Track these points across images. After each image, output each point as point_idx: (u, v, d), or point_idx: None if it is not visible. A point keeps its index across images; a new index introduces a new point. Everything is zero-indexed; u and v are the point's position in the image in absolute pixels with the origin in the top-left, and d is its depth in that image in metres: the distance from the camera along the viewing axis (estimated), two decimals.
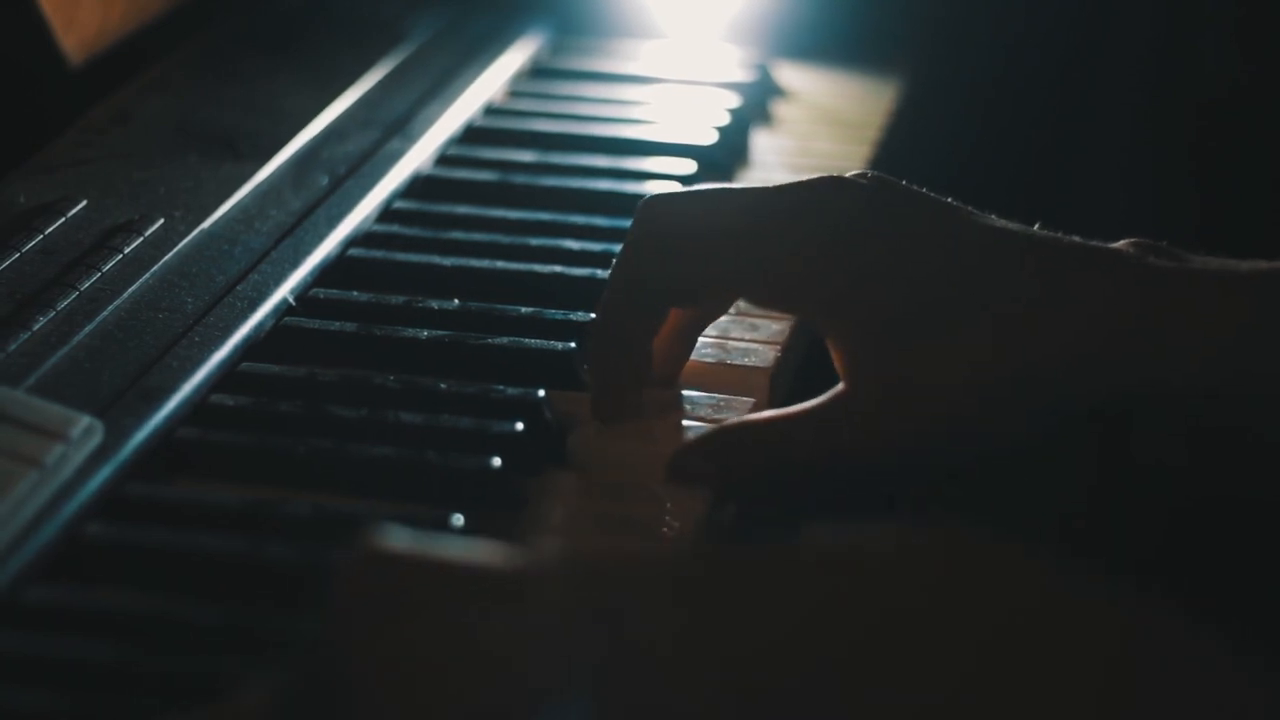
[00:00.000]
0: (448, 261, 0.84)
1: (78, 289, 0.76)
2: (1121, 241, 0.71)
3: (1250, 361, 0.69)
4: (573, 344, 0.77)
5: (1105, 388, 0.70)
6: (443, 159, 0.95)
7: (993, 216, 0.73)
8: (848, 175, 0.73)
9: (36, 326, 0.73)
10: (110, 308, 0.75)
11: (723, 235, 0.72)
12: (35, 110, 0.91)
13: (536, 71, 1.07)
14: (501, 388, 0.74)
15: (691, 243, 0.73)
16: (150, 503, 0.67)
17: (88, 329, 0.74)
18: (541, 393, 0.74)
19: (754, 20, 1.12)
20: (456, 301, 0.80)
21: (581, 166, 0.94)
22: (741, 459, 0.71)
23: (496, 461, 0.69)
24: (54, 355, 0.72)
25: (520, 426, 0.71)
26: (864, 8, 1.14)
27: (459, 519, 0.66)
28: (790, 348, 0.81)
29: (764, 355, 0.80)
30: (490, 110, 1.01)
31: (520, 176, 0.93)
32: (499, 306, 0.80)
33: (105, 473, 0.66)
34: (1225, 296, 0.70)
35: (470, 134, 0.98)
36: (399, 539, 0.50)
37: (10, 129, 0.88)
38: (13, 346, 0.72)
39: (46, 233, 0.80)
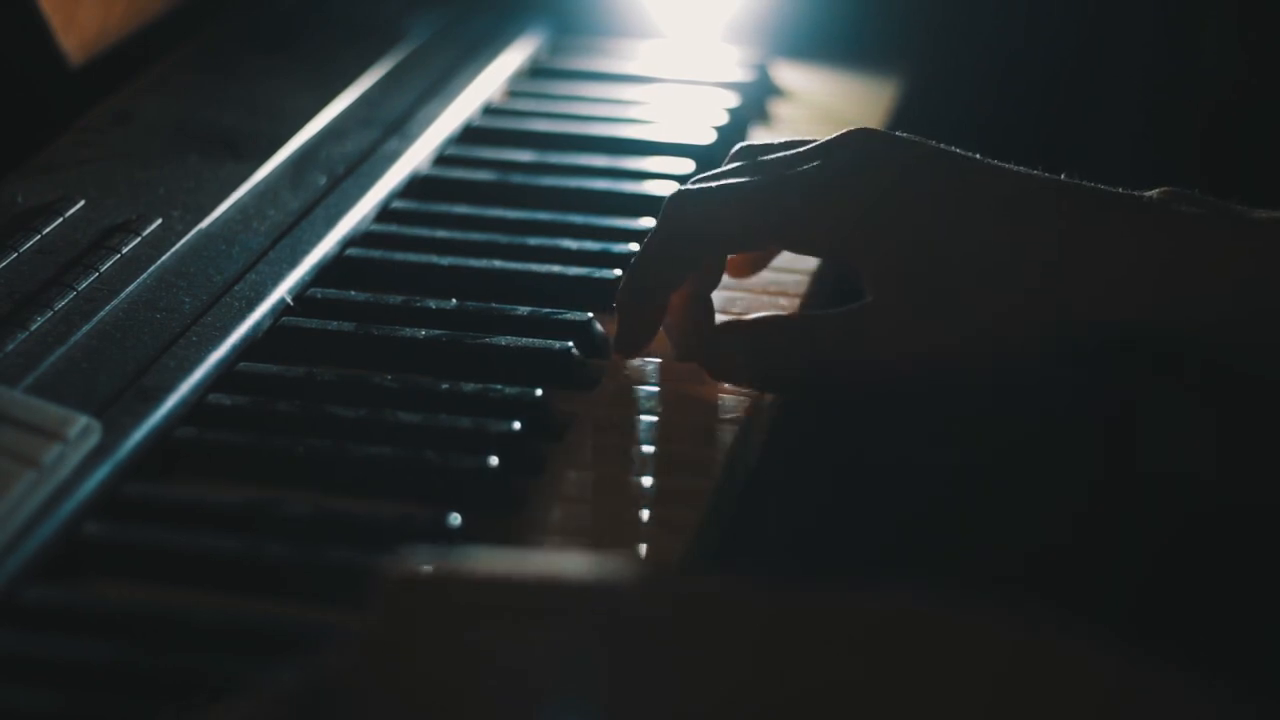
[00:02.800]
0: (446, 261, 0.84)
1: (75, 289, 0.76)
2: (1154, 190, 0.72)
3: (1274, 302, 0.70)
4: (570, 343, 0.77)
5: (1132, 326, 0.72)
6: (441, 159, 0.95)
7: (1016, 168, 0.75)
8: (876, 130, 0.76)
9: (34, 326, 0.73)
10: (108, 308, 0.75)
11: (758, 195, 0.75)
12: (35, 110, 0.91)
13: (535, 71, 1.07)
14: (499, 387, 0.74)
15: (731, 203, 0.75)
16: (148, 502, 0.67)
17: (85, 329, 0.74)
18: (539, 392, 0.74)
19: (753, 20, 1.12)
20: (454, 301, 0.80)
21: (580, 166, 0.94)
22: (770, 347, 0.75)
23: (494, 461, 0.69)
24: (52, 355, 0.72)
25: (518, 426, 0.71)
26: (864, 8, 1.14)
27: (456, 518, 0.66)
28: None
29: None
30: (489, 110, 1.01)
31: (519, 176, 0.93)
32: (497, 306, 0.80)
33: (103, 472, 0.66)
34: (1254, 241, 0.71)
35: (469, 134, 0.98)
36: (430, 558, 0.50)
37: (10, 129, 0.88)
38: (10, 346, 0.72)
39: (44, 233, 0.80)
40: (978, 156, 0.75)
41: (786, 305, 0.83)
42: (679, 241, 0.75)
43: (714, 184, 0.76)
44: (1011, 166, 0.74)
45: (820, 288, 0.85)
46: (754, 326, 0.76)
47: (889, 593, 0.47)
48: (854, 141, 0.75)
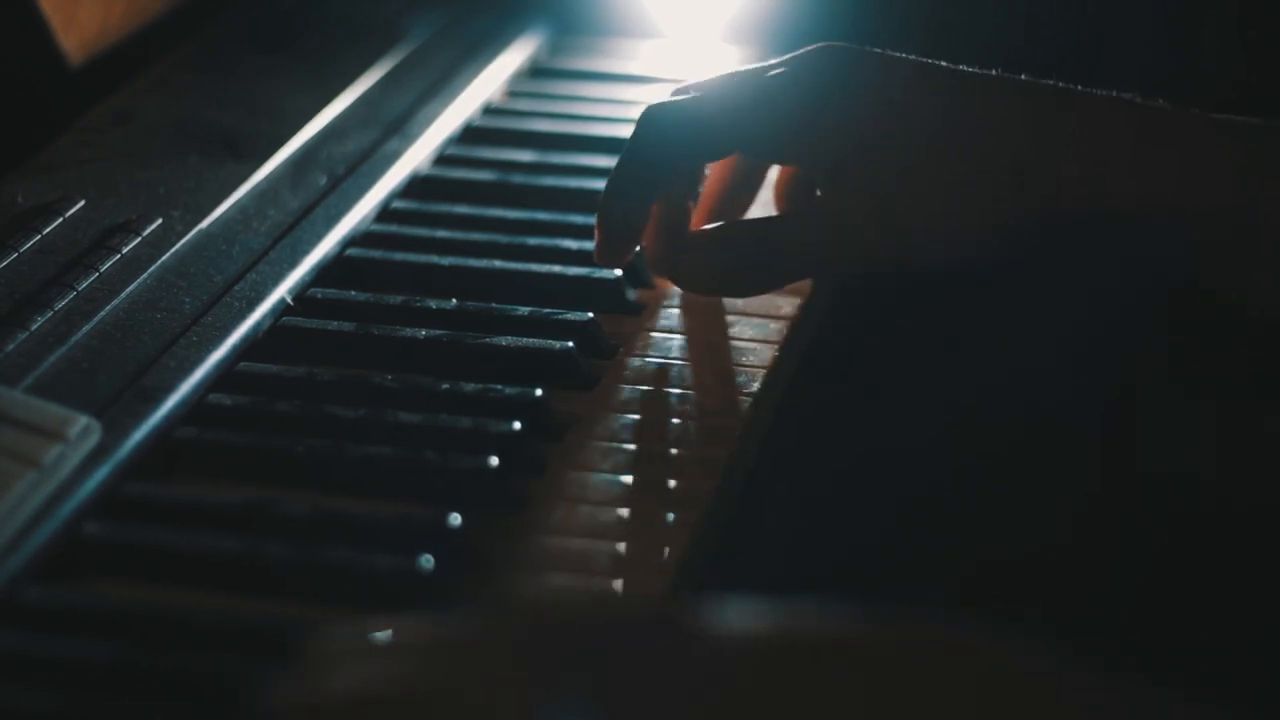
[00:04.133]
0: (446, 261, 0.84)
1: (76, 289, 0.76)
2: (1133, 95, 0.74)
3: (1246, 213, 0.72)
4: (570, 343, 0.77)
5: (1115, 218, 0.74)
6: (441, 159, 0.95)
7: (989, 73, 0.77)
8: (838, 44, 0.79)
9: (34, 326, 0.73)
10: (108, 308, 0.75)
11: (717, 103, 0.79)
12: (35, 110, 0.91)
13: (535, 71, 1.07)
14: (500, 387, 0.74)
15: (691, 112, 0.79)
16: (148, 502, 0.67)
17: (86, 329, 0.74)
18: (539, 392, 0.74)
19: (754, 20, 1.12)
20: (455, 301, 0.80)
21: (580, 166, 0.94)
22: (733, 248, 0.78)
23: (494, 461, 0.69)
24: (52, 355, 0.72)
25: (518, 426, 0.71)
26: (864, 8, 1.14)
27: (456, 518, 0.66)
28: (790, 348, 0.81)
29: (763, 355, 0.80)
30: (489, 110, 1.01)
31: (519, 176, 0.93)
32: (497, 306, 0.80)
33: (103, 472, 0.66)
34: (1231, 143, 0.74)
35: (469, 134, 0.98)
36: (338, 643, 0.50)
37: (10, 129, 0.88)
38: (11, 346, 0.72)
39: (44, 233, 0.80)
40: (933, 61, 0.78)
41: (792, 296, 0.83)
42: (648, 152, 0.79)
43: (680, 96, 0.80)
44: (969, 74, 0.77)
45: (820, 283, 0.85)
46: (717, 231, 0.80)
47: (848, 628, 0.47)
48: (813, 54, 0.78)
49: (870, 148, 0.76)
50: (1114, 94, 0.76)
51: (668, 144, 0.79)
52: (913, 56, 0.78)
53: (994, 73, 0.77)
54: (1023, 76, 0.77)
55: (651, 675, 0.46)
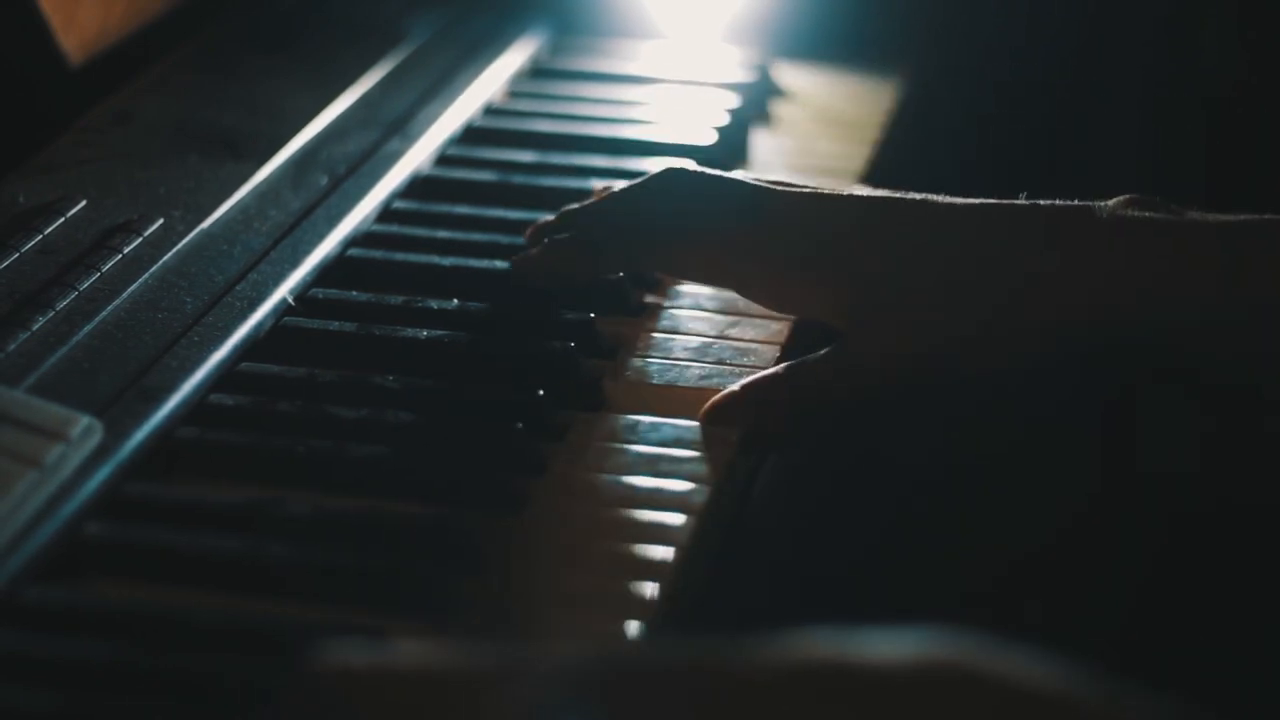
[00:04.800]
0: (447, 261, 0.84)
1: (77, 289, 0.76)
2: (1113, 200, 0.73)
3: (1244, 304, 0.72)
4: (572, 344, 0.77)
5: (1106, 336, 0.73)
6: (442, 159, 0.95)
7: (974, 199, 0.76)
8: (843, 190, 0.78)
9: (36, 326, 0.73)
10: (109, 308, 0.75)
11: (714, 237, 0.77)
12: (35, 110, 0.91)
13: (536, 72, 1.07)
14: (500, 387, 0.74)
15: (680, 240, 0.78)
16: (149, 502, 0.67)
17: (87, 329, 0.74)
18: (540, 392, 0.74)
19: (754, 20, 1.12)
20: (456, 301, 0.80)
21: (581, 167, 0.94)
22: (768, 408, 0.75)
23: (495, 461, 0.69)
24: (53, 355, 0.72)
25: (519, 426, 0.71)
26: (864, 8, 1.14)
27: (458, 519, 0.66)
28: (790, 348, 0.81)
29: (764, 355, 0.80)
30: (490, 110, 1.01)
31: (520, 176, 0.93)
32: (499, 306, 0.80)
33: (104, 472, 0.66)
34: (1214, 243, 0.72)
35: (470, 134, 0.98)
36: (350, 653, 0.50)
37: (10, 129, 0.88)
38: (12, 346, 0.72)
39: (45, 233, 0.80)
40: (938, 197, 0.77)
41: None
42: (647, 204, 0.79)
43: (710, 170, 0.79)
44: (960, 203, 0.77)
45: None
46: (747, 392, 0.76)
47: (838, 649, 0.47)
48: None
49: (899, 288, 0.75)
50: (1094, 205, 0.75)
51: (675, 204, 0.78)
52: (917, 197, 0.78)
53: (990, 201, 0.77)
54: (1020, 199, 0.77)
55: (653, 699, 0.47)
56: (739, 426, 0.74)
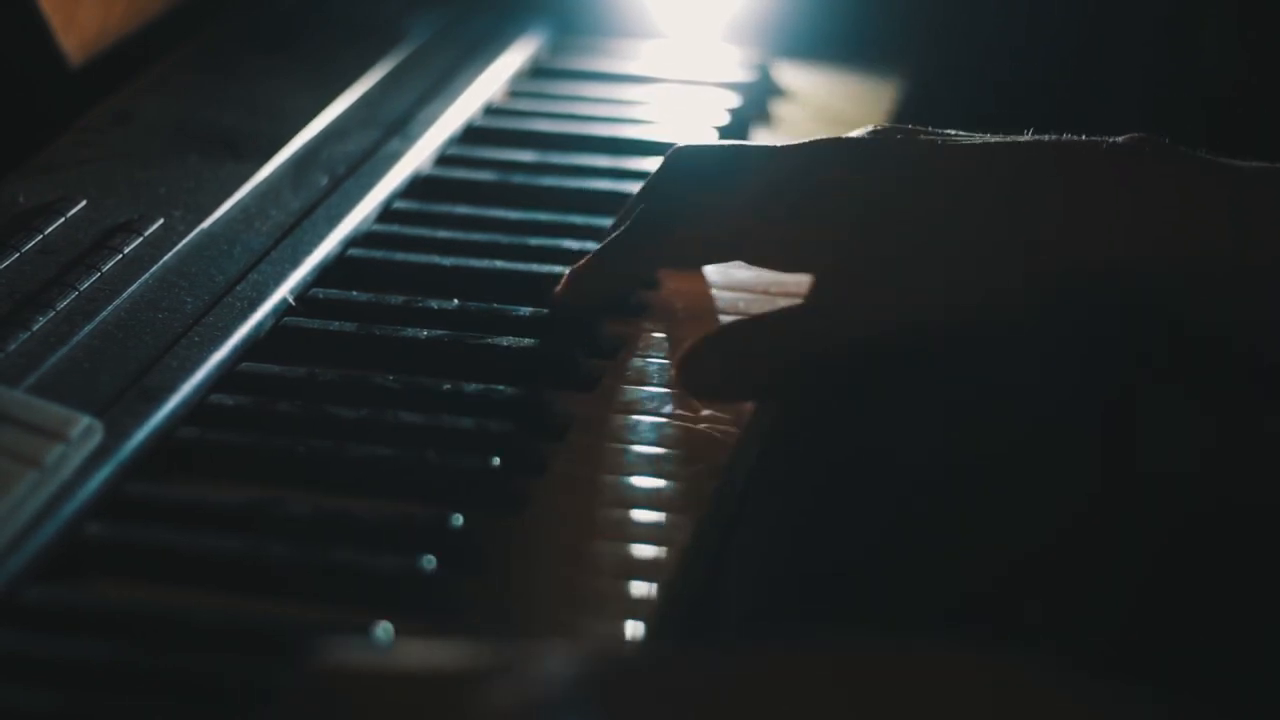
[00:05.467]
0: (447, 261, 0.84)
1: (77, 289, 0.76)
2: (1123, 137, 0.73)
3: (1248, 257, 0.71)
4: (572, 344, 0.77)
5: (1108, 277, 0.73)
6: (442, 159, 0.95)
7: (976, 135, 0.76)
8: (848, 135, 0.77)
9: (36, 326, 0.73)
10: (110, 308, 0.75)
11: (727, 205, 0.77)
12: (35, 110, 0.91)
13: (536, 71, 1.07)
14: (500, 387, 0.74)
15: (702, 213, 0.78)
16: (150, 502, 0.67)
17: (87, 329, 0.74)
18: (540, 393, 0.74)
19: (754, 20, 1.12)
20: (456, 301, 0.80)
21: (581, 166, 0.94)
22: (749, 353, 0.74)
23: (495, 461, 0.69)
24: (53, 355, 0.72)
25: (519, 426, 0.71)
26: (864, 8, 1.14)
27: (457, 518, 0.66)
28: None
29: None
30: (490, 110, 1.01)
31: (520, 176, 0.93)
32: (499, 306, 0.80)
33: (105, 472, 0.66)
34: (1225, 190, 0.72)
35: (470, 134, 0.98)
36: (350, 653, 0.50)
37: (10, 129, 0.88)
38: (12, 346, 0.72)
39: (46, 233, 0.80)
40: (942, 132, 0.77)
41: (793, 296, 0.83)
42: (669, 188, 0.79)
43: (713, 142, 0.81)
44: (968, 143, 0.76)
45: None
46: (725, 334, 0.76)
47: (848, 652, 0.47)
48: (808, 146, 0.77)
49: (896, 224, 0.74)
50: (1102, 142, 0.74)
51: (693, 179, 0.78)
52: (927, 132, 0.77)
53: (995, 138, 0.76)
54: (1026, 135, 0.76)
55: (652, 699, 0.47)
56: (716, 375, 0.74)
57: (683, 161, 0.80)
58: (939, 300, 0.74)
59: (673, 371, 0.75)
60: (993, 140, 0.75)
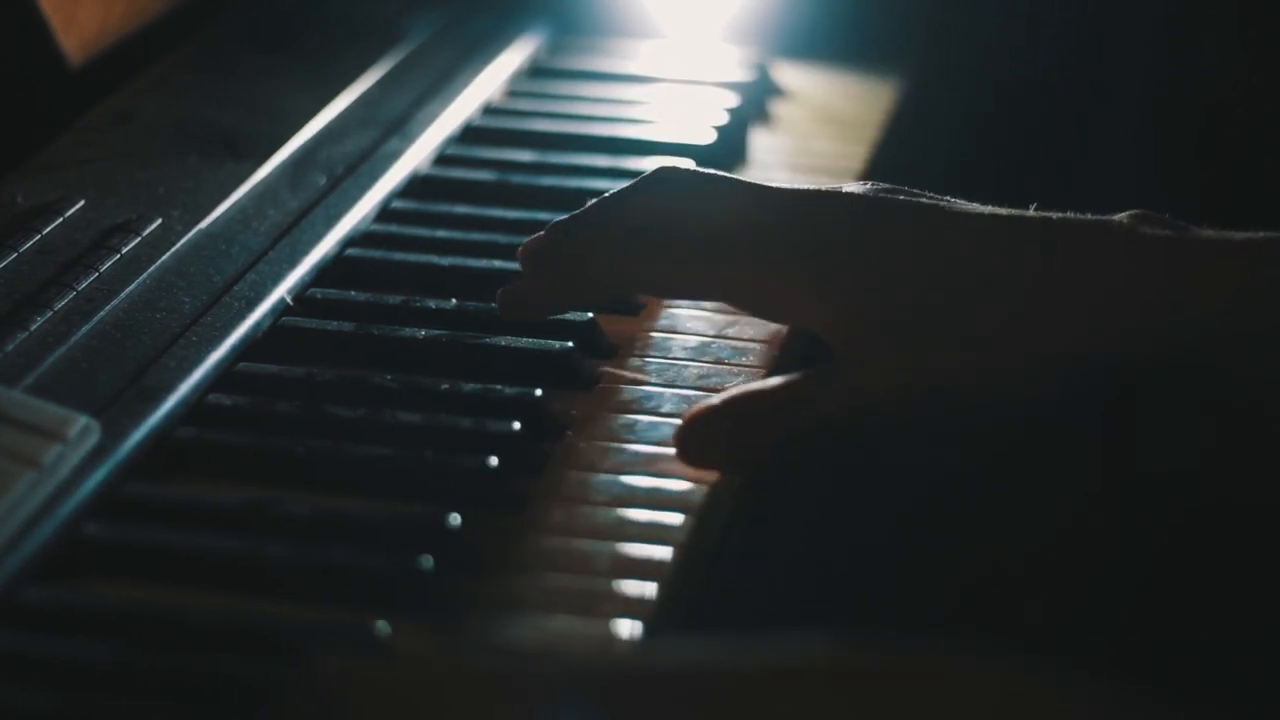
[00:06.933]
0: (446, 261, 0.84)
1: (75, 289, 0.76)
2: (1120, 214, 0.72)
3: (1250, 324, 0.70)
4: (570, 344, 0.77)
5: (1109, 356, 0.71)
6: (441, 159, 0.95)
7: (979, 206, 0.74)
8: (843, 188, 0.74)
9: (34, 326, 0.73)
10: (108, 308, 0.75)
11: (704, 241, 0.74)
12: (35, 110, 0.91)
13: (535, 71, 1.07)
14: (499, 387, 0.74)
15: (671, 246, 0.74)
16: (148, 502, 0.67)
17: (85, 329, 0.74)
18: (539, 392, 0.74)
19: (753, 20, 1.12)
20: (454, 301, 0.80)
21: (580, 166, 0.94)
22: (752, 423, 0.72)
23: (494, 461, 0.69)
24: (51, 355, 0.72)
25: (518, 426, 0.71)
26: (864, 8, 1.14)
27: (456, 518, 0.66)
28: (790, 347, 0.81)
29: (762, 354, 0.80)
30: (489, 110, 1.01)
31: (519, 176, 0.93)
32: (497, 306, 0.80)
33: (103, 472, 0.66)
34: (1223, 262, 0.71)
35: (469, 134, 0.98)
36: (350, 653, 0.50)
37: (10, 129, 0.88)
38: (10, 346, 0.72)
39: (44, 233, 0.80)
40: (942, 198, 0.74)
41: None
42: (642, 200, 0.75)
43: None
44: (968, 211, 0.74)
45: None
46: (731, 404, 0.72)
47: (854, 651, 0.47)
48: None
49: (907, 300, 0.72)
50: (1104, 220, 0.73)
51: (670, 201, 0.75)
52: (926, 198, 0.75)
53: (1003, 211, 0.74)
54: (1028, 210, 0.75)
55: (653, 700, 0.47)
56: (718, 445, 0.71)
57: (660, 182, 0.76)
58: (944, 375, 0.72)
59: (674, 440, 0.72)
60: (1001, 213, 0.73)
